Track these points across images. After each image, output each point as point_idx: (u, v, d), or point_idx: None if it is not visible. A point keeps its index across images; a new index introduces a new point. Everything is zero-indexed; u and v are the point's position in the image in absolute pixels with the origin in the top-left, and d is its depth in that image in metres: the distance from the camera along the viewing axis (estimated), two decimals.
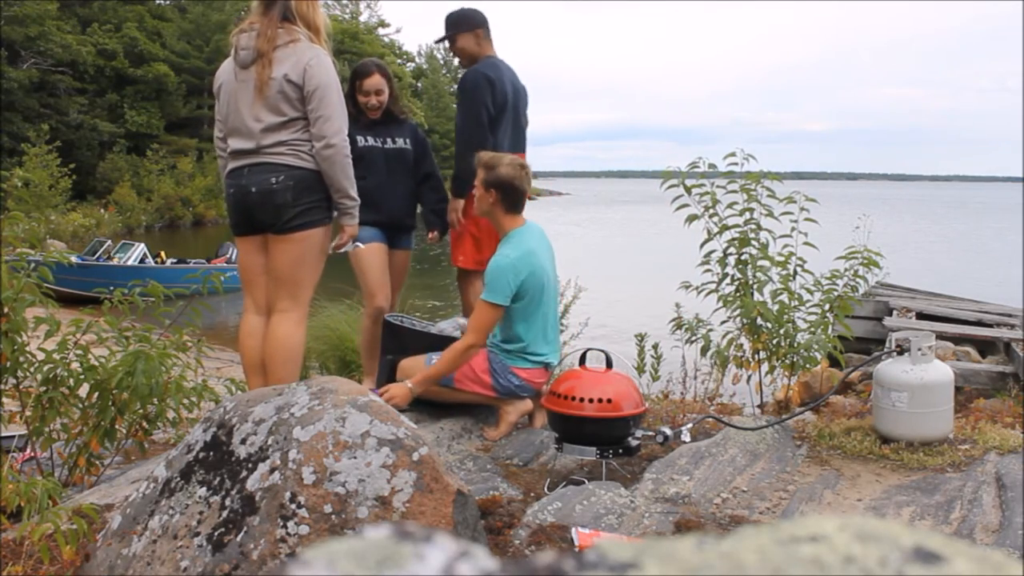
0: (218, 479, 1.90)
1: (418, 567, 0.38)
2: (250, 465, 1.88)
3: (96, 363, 2.95)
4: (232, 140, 3.13)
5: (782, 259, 4.02)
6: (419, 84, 56.09)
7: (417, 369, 3.36)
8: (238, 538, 1.77)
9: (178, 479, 1.97)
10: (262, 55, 3.00)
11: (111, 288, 3.26)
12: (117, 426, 3.01)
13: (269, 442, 1.90)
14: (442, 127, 48.65)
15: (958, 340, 7.18)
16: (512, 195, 3.30)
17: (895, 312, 8.16)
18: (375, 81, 3.96)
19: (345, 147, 3.08)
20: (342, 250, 3.36)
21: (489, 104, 3.80)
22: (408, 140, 4.08)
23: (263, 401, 2.03)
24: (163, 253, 15.64)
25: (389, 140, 4.02)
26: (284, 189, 3.01)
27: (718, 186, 4.10)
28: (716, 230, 4.10)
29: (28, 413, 2.87)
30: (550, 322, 3.43)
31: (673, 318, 4.34)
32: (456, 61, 4.30)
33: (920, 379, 3.01)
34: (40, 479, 2.29)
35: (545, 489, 2.84)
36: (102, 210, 27.42)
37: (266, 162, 3.04)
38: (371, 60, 4.14)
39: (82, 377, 2.93)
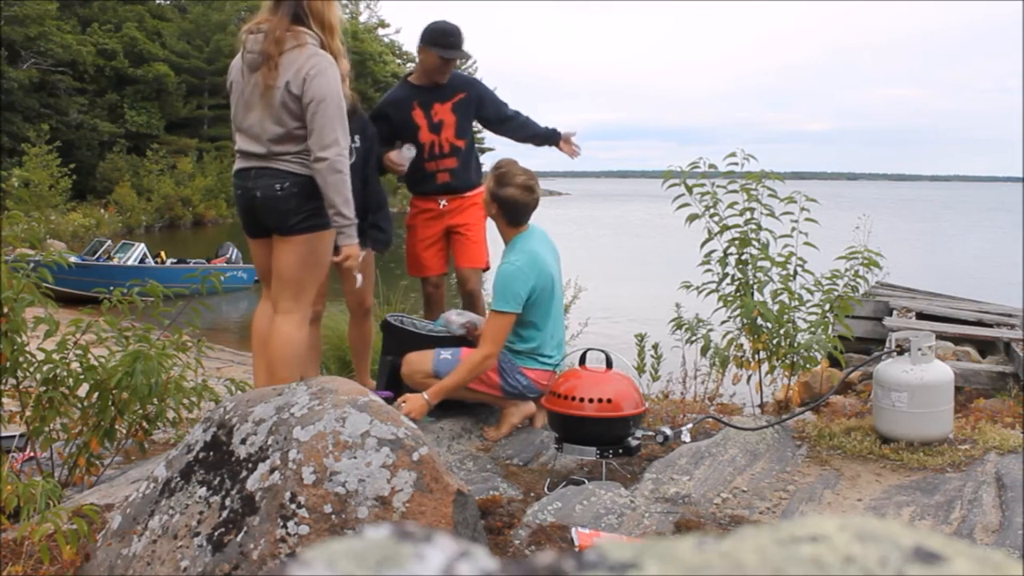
0: (218, 479, 1.90)
1: (418, 567, 0.38)
2: (250, 465, 1.88)
3: (96, 363, 2.95)
4: (240, 138, 3.10)
5: (782, 259, 4.02)
6: None
7: (424, 362, 3.37)
8: (238, 538, 1.77)
9: (178, 479, 1.96)
10: (268, 58, 2.94)
11: (111, 288, 3.25)
12: (117, 426, 3.01)
13: (269, 442, 1.90)
14: None
15: (958, 340, 7.17)
16: (515, 214, 3.34)
17: (895, 312, 8.15)
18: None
19: (338, 163, 2.95)
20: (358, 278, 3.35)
21: None
22: (357, 138, 3.78)
23: (263, 401, 2.03)
24: (163, 253, 15.63)
25: None
26: (288, 196, 3.00)
27: (719, 186, 4.10)
28: (717, 230, 4.10)
29: (28, 413, 2.87)
30: (558, 324, 3.45)
31: (673, 318, 4.34)
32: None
33: (920, 379, 3.00)
34: (39, 480, 2.29)
35: (545, 489, 2.84)
36: (102, 210, 27.41)
37: (273, 167, 3.02)
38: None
39: (82, 377, 2.93)
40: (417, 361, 3.40)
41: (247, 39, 3.03)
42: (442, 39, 3.91)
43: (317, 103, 2.91)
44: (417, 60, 4.05)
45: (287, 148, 3.00)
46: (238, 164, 3.14)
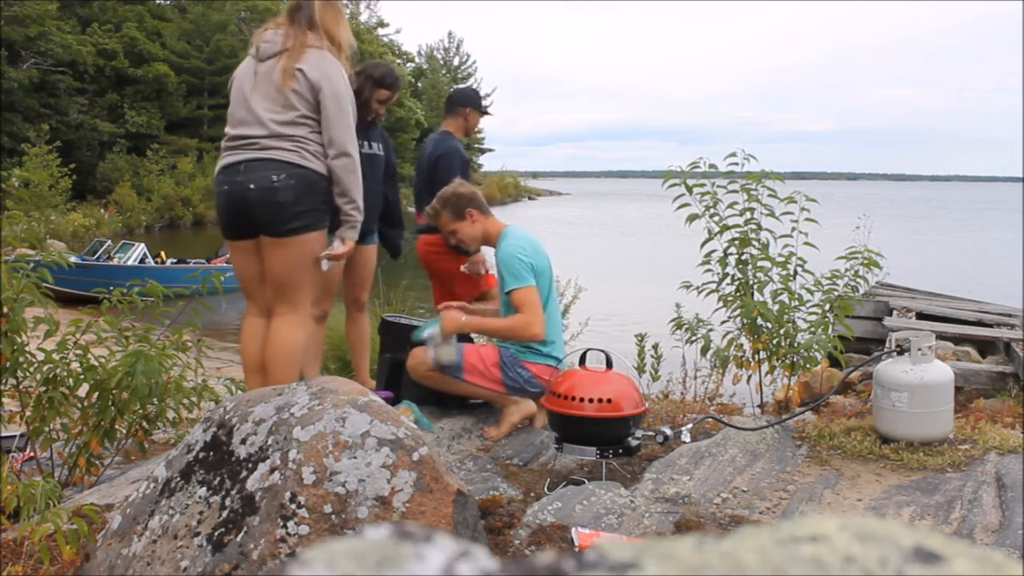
0: (218, 479, 1.90)
1: (418, 567, 0.38)
2: (250, 465, 1.88)
3: (96, 363, 2.94)
4: (233, 128, 3.05)
5: (782, 259, 4.02)
6: (419, 84, 56.13)
7: (425, 358, 3.38)
8: (238, 538, 1.77)
9: (178, 479, 1.96)
10: (288, 48, 3.00)
11: (111, 288, 3.24)
12: (117, 426, 3.00)
13: (269, 442, 1.90)
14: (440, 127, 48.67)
15: (958, 340, 7.17)
16: (481, 200, 3.47)
17: (895, 312, 8.15)
18: (395, 96, 4.00)
19: (355, 163, 3.06)
20: (324, 266, 3.11)
21: None
22: (381, 147, 3.99)
23: (263, 401, 2.03)
24: (163, 253, 15.62)
25: (366, 144, 3.79)
26: (286, 188, 2.93)
27: (719, 186, 4.11)
28: (717, 230, 4.10)
29: (28, 413, 2.87)
30: (555, 313, 3.48)
31: (673, 318, 4.34)
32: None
33: (920, 379, 3.00)
34: (39, 480, 2.29)
35: (545, 489, 2.84)
36: (102, 210, 27.38)
37: (267, 158, 2.95)
38: (397, 73, 4.10)
39: (82, 377, 2.93)
40: (422, 354, 3.41)
41: (261, 35, 3.09)
42: (483, 103, 4.59)
43: (342, 100, 3.00)
44: (457, 118, 4.49)
45: (285, 131, 2.97)
46: (225, 159, 3.07)
